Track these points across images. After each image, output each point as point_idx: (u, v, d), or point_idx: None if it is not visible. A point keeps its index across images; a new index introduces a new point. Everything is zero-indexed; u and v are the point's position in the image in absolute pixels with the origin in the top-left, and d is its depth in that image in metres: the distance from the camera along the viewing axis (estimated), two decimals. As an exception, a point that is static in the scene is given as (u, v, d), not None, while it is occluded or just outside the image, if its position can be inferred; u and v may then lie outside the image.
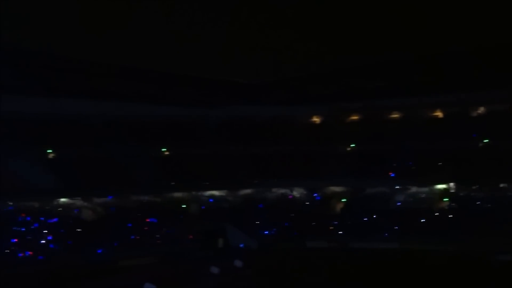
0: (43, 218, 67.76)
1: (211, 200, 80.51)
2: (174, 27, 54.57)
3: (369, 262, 59.94)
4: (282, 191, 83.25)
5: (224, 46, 60.55)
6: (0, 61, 64.64)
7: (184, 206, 77.88)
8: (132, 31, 55.94)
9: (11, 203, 67.74)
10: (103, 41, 60.04)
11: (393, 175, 79.11)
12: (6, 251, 59.41)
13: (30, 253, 60.26)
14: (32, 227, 65.78)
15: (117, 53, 62.90)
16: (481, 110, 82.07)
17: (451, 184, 78.17)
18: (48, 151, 73.62)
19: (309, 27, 56.74)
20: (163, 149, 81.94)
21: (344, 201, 79.87)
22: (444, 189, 78.41)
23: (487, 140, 77.64)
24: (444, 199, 76.97)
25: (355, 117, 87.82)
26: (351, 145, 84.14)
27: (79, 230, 67.29)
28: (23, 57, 67.87)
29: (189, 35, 56.74)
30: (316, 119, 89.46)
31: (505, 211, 68.30)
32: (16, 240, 62.06)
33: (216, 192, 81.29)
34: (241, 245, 70.69)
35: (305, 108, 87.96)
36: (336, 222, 76.14)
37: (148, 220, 72.79)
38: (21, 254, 59.73)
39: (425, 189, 78.94)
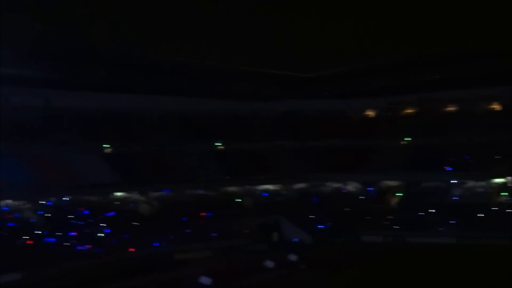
0: (100, 212, 68.67)
1: (265, 194, 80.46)
2: (226, 21, 54.36)
3: (425, 257, 59.09)
4: (336, 185, 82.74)
5: (276, 40, 60.11)
6: (60, 58, 65.80)
7: (239, 200, 78.05)
8: (185, 26, 55.99)
9: (70, 197, 68.83)
10: (156, 36, 60.41)
11: (449, 169, 77.69)
12: (65, 244, 60.20)
13: (89, 246, 60.88)
14: (90, 220, 66.69)
15: (170, 48, 63.16)
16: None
17: (509, 178, 76.22)
18: (105, 146, 74.75)
19: (363, 20, 55.86)
20: (217, 144, 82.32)
21: (400, 195, 78.81)
22: (502, 183, 76.51)
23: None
24: (502, 193, 75.20)
25: (410, 110, 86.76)
26: (406, 139, 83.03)
27: (135, 223, 67.91)
28: (83, 54, 68.93)
29: (241, 29, 56.44)
30: (370, 113, 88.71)
31: None
32: (75, 233, 62.80)
33: (270, 186, 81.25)
34: (296, 240, 70.52)
35: (360, 101, 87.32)
36: (391, 217, 75.12)
37: (203, 214, 73.09)
38: (79, 247, 60.26)
39: (482, 183, 77.04)
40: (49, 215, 65.14)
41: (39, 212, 65.22)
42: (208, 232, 68.93)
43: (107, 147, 74.70)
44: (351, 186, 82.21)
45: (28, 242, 58.99)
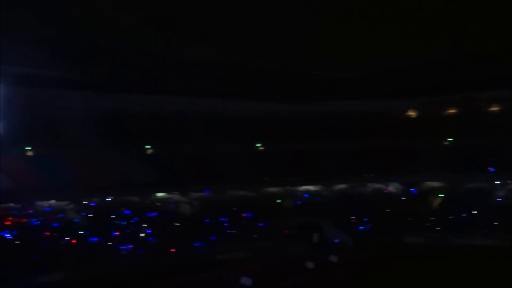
0: (142, 212, 69.25)
1: (306, 195, 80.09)
2: (267, 21, 54.24)
3: (467, 258, 57.76)
4: (378, 186, 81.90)
5: (318, 39, 59.73)
6: (102, 61, 66.61)
7: (279, 201, 77.83)
8: (227, 28, 56.10)
9: (112, 198, 69.57)
10: (199, 38, 60.76)
11: (492, 170, 76.29)
12: (108, 243, 61.18)
13: (131, 246, 61.65)
14: (132, 221, 67.41)
15: (214, 50, 63.44)
16: None
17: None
18: (146, 147, 75.32)
19: (403, 18, 55.11)
20: (257, 145, 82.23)
21: (442, 197, 77.57)
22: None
23: None
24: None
25: (452, 110, 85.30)
26: (449, 139, 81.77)
27: (177, 224, 68.37)
28: (124, 56, 69.76)
29: (283, 28, 56.26)
30: (412, 113, 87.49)
31: None
32: (117, 233, 63.72)
33: (311, 187, 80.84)
34: (336, 240, 70.07)
35: (401, 102, 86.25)
36: (434, 218, 74.19)
37: (243, 215, 73.21)
38: (122, 247, 61.08)
39: (527, 184, 75.64)
40: (92, 215, 65.87)
41: (82, 213, 66.03)
42: (249, 233, 69.10)
43: (148, 148, 75.18)
44: (393, 187, 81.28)
45: (72, 241, 59.90)
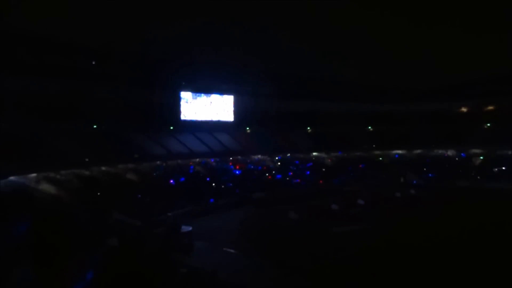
0: (305, 163, 71.11)
1: (396, 156, 78.62)
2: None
3: (495, 196, 50.32)
4: (441, 151, 77.55)
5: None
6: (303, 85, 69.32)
7: (380, 158, 77.29)
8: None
9: (290, 155, 72.35)
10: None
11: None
12: (286, 179, 63.58)
13: (298, 180, 63.90)
14: (300, 167, 69.69)
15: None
16: None
17: None
18: (308, 128, 76.17)
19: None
20: (369, 127, 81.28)
21: (481, 159, 70.57)
22: None
23: None
24: None
25: None
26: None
27: (323, 169, 70.21)
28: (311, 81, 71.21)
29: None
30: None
31: None
32: (291, 173, 66.14)
33: (399, 151, 78.94)
34: (414, 182, 68.46)
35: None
36: (475, 171, 68.24)
37: (360, 166, 73.88)
38: (293, 181, 63.59)
39: None
40: (279, 164, 69.25)
41: (274, 162, 69.11)
42: (362, 176, 69.87)
43: (309, 129, 77.19)
44: (450, 152, 76.81)
45: (268, 177, 63.21)
